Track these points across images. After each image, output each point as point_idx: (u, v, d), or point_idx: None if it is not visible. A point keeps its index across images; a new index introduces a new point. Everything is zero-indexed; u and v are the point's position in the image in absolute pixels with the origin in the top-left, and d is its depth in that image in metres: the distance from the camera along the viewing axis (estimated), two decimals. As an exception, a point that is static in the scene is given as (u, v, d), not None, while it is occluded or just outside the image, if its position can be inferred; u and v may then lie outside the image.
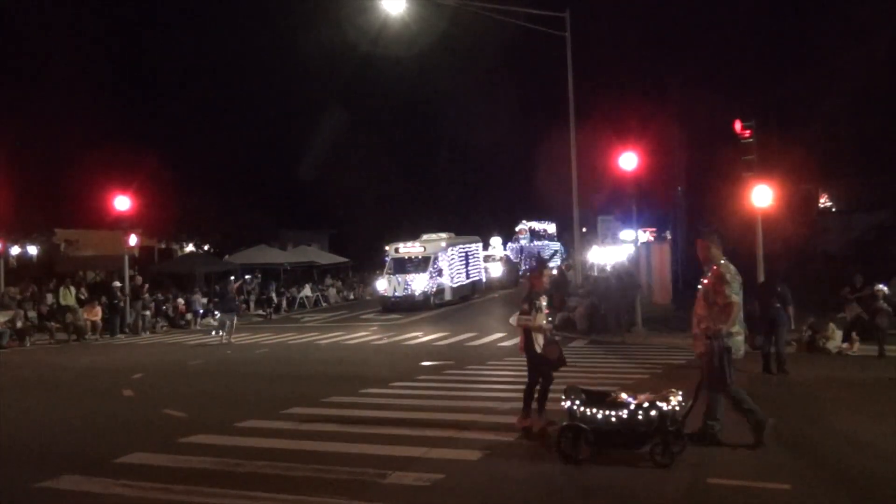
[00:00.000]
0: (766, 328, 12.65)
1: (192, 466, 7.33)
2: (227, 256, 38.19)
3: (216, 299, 26.31)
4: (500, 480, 6.70)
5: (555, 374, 8.66)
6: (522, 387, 8.78)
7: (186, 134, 41.60)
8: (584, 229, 31.21)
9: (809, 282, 21.74)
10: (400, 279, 29.45)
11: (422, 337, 20.18)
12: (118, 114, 40.22)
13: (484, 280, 37.73)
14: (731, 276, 7.36)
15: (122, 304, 23.38)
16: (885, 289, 15.96)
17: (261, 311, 30.29)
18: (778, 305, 12.71)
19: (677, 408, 6.94)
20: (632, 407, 6.94)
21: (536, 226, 56.70)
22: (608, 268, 34.36)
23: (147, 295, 25.51)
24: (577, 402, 7.18)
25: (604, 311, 19.42)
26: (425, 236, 32.91)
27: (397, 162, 53.73)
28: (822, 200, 38.66)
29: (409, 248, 31.23)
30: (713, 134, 23.49)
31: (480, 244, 38.51)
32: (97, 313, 22.65)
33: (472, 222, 50.60)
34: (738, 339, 7.43)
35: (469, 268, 34.24)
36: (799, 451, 7.47)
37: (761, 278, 17.00)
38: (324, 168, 48.10)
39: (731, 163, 18.53)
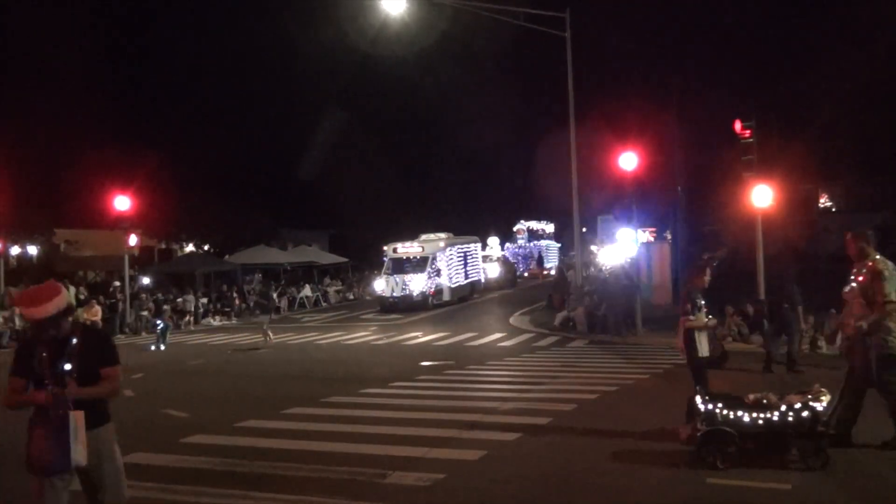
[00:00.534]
0: (777, 329, 12.66)
1: (192, 466, 7.33)
2: (227, 256, 38.20)
3: (258, 300, 26.67)
4: (500, 480, 6.70)
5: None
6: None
7: (186, 134, 41.71)
8: (584, 229, 31.19)
9: (809, 282, 21.74)
10: (398, 279, 29.14)
11: (421, 337, 20.17)
12: (118, 114, 40.37)
13: (483, 280, 37.52)
14: (890, 272, 7.01)
15: (122, 303, 23.38)
16: None
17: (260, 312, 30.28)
18: (786, 306, 12.73)
19: (827, 408, 6.79)
20: (783, 409, 6.73)
21: (535, 226, 56.52)
22: (606, 267, 34.41)
23: (147, 295, 25.51)
24: (720, 404, 6.87)
25: (604, 312, 19.42)
26: (424, 236, 32.67)
27: (397, 162, 53.83)
28: (822, 200, 38.66)
29: (408, 249, 30.93)
30: (713, 134, 23.46)
31: (479, 244, 38.30)
32: (96, 313, 22.62)
33: (471, 222, 50.53)
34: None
35: (468, 268, 34.02)
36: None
37: (762, 278, 17.04)
38: (324, 168, 48.18)
39: (731, 163, 18.52)
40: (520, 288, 41.99)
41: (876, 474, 6.62)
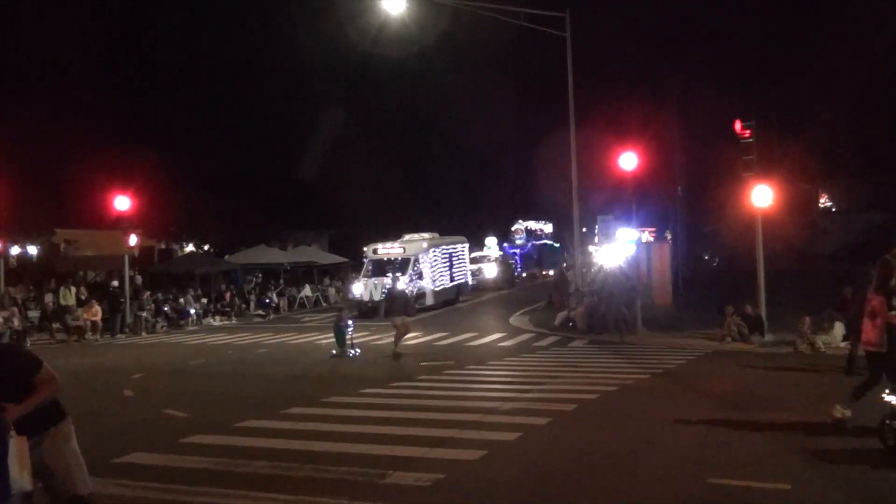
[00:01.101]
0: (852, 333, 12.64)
1: (192, 466, 7.33)
2: (227, 256, 38.21)
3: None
4: (500, 480, 6.69)
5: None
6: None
7: (187, 133, 41.70)
8: (584, 229, 31.10)
9: (809, 282, 21.79)
10: (377, 282, 26.89)
11: (421, 337, 20.17)
12: (118, 114, 40.33)
13: (470, 283, 35.02)
14: None
15: (123, 303, 23.38)
16: None
17: (260, 312, 30.25)
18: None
19: None
20: None
21: (533, 225, 55.98)
22: (605, 267, 34.37)
23: (147, 295, 25.49)
24: None
25: (604, 312, 19.41)
26: (407, 236, 30.39)
27: (397, 162, 53.78)
28: (822, 200, 38.71)
29: (389, 250, 28.87)
30: (713, 134, 23.50)
31: (466, 245, 35.73)
32: (96, 313, 22.63)
33: (471, 222, 50.52)
34: None
35: (453, 270, 31.83)
36: (799, 451, 7.46)
37: (762, 278, 17.04)
38: (324, 168, 48.20)
39: (731, 163, 18.53)
40: (518, 288, 41.90)
41: (876, 474, 6.61)
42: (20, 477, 4.15)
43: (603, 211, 43.53)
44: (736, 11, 29.90)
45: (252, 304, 30.77)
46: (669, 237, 33.86)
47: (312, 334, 22.05)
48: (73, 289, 23.95)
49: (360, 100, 54.70)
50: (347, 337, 16.44)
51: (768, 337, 16.36)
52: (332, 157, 49.35)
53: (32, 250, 37.91)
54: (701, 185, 28.57)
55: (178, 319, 25.82)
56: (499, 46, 44.83)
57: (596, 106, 28.35)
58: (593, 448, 7.73)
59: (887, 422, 6.84)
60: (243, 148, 47.59)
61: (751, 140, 17.20)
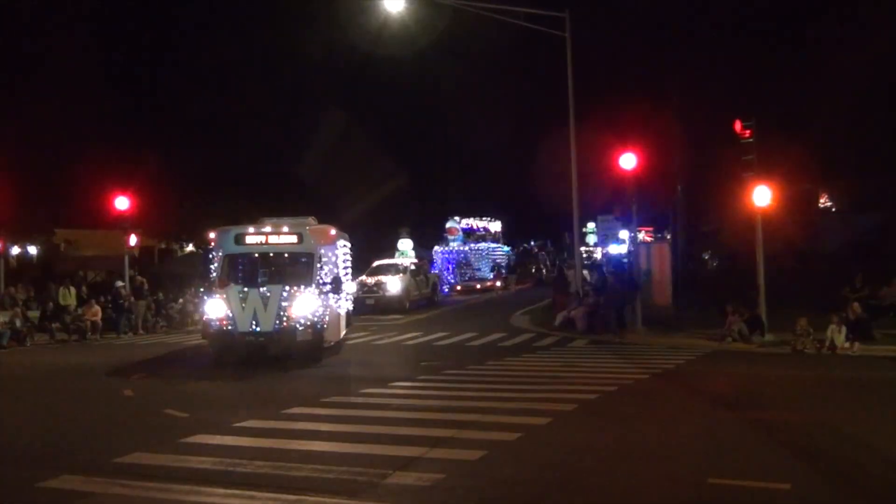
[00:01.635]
0: None
1: (192, 466, 7.33)
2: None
3: None
4: (500, 480, 6.69)
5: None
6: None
7: (187, 134, 41.70)
8: (584, 229, 30.98)
9: (809, 281, 21.78)
10: (250, 294, 15.08)
11: (421, 337, 20.16)
12: (118, 114, 40.33)
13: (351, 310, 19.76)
14: None
15: (125, 303, 23.38)
16: None
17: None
18: None
19: None
20: None
21: (475, 223, 44.32)
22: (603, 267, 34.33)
23: (147, 295, 25.48)
24: None
25: (603, 312, 19.40)
26: (285, 220, 17.52)
27: (397, 162, 53.75)
28: (822, 200, 38.69)
29: (271, 236, 16.27)
30: (713, 134, 23.48)
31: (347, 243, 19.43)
32: (96, 313, 22.61)
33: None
34: None
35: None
36: (799, 451, 7.47)
37: (762, 278, 17.03)
38: (324, 168, 48.15)
39: (731, 163, 18.52)
40: (442, 309, 30.78)
41: (876, 474, 6.62)
42: None
43: (603, 211, 43.34)
44: (736, 11, 29.92)
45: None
46: (669, 237, 33.83)
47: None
48: (73, 289, 23.96)
49: (360, 100, 54.72)
50: None
51: (768, 337, 16.37)
52: (332, 156, 49.36)
53: (32, 250, 37.92)
54: (701, 185, 28.56)
55: (177, 320, 25.79)
56: (499, 46, 44.81)
57: (596, 106, 28.28)
58: (593, 448, 7.73)
59: None
60: (243, 148, 47.62)
61: (751, 140, 17.20)
